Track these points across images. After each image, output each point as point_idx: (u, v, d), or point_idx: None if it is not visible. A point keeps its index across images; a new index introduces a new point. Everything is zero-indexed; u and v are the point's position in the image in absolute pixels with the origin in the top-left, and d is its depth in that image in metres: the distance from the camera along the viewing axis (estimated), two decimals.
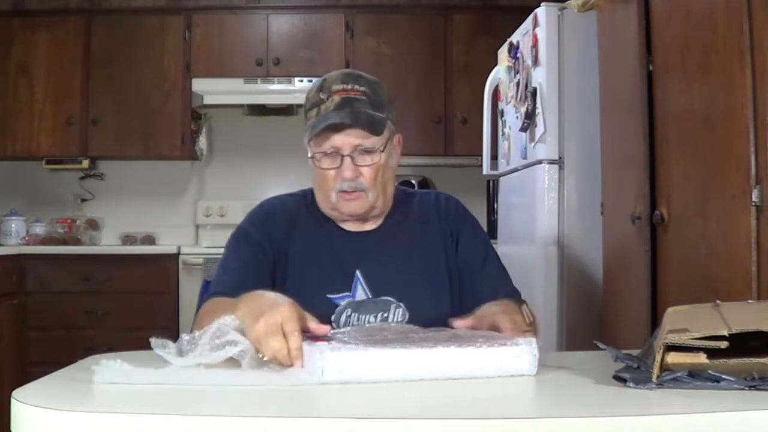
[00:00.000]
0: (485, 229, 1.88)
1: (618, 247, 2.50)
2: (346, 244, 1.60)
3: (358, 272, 1.56)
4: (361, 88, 1.54)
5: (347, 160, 1.52)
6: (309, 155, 1.57)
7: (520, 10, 3.19)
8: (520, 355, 1.16)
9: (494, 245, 1.76)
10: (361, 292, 1.55)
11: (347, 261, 1.57)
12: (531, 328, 1.37)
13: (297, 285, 1.54)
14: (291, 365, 1.15)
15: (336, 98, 1.52)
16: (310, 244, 1.60)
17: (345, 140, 1.52)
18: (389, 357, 1.13)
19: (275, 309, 1.18)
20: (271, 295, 1.27)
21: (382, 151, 1.55)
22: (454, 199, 1.72)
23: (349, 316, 1.53)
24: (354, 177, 1.53)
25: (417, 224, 1.65)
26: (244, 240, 1.61)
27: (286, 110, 4.51)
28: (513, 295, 1.60)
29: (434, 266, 1.61)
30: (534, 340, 1.18)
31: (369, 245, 1.60)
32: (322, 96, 1.54)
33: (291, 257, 1.59)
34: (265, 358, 1.17)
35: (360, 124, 1.51)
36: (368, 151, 1.53)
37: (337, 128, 1.51)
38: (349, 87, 1.54)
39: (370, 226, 1.63)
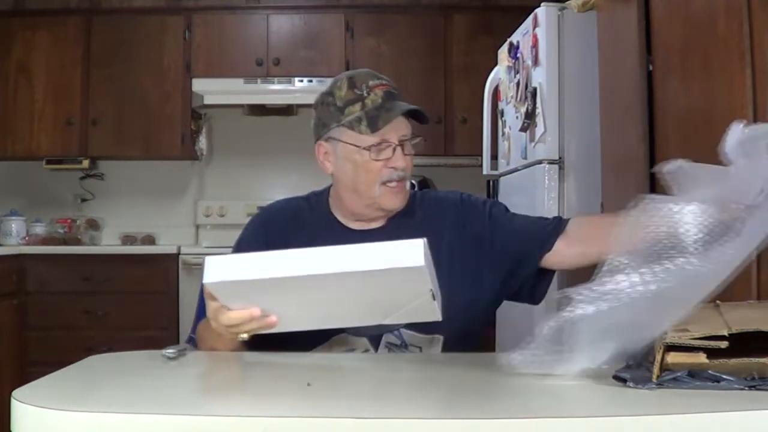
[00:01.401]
0: None
1: None
2: (354, 242, 1.60)
3: None
4: (392, 84, 1.60)
5: (398, 149, 1.56)
6: (354, 145, 1.56)
7: (520, 10, 3.19)
8: (407, 249, 1.16)
9: None
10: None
11: None
12: None
13: None
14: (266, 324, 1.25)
15: (379, 92, 1.56)
16: (316, 244, 1.60)
17: (393, 131, 1.55)
18: (268, 258, 1.18)
19: (207, 303, 1.31)
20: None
21: (423, 139, 1.61)
22: (457, 193, 1.73)
23: None
24: (405, 166, 1.57)
25: (420, 224, 1.65)
26: (243, 251, 1.62)
27: (286, 110, 4.51)
28: (559, 219, 1.65)
29: (447, 261, 1.61)
30: (422, 240, 1.18)
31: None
32: (359, 92, 1.56)
33: None
34: (246, 337, 1.29)
35: (413, 107, 1.56)
36: (408, 142, 1.58)
37: (414, 115, 1.56)
38: (384, 82, 1.59)
39: (375, 224, 1.64)
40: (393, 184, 1.56)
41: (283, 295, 1.21)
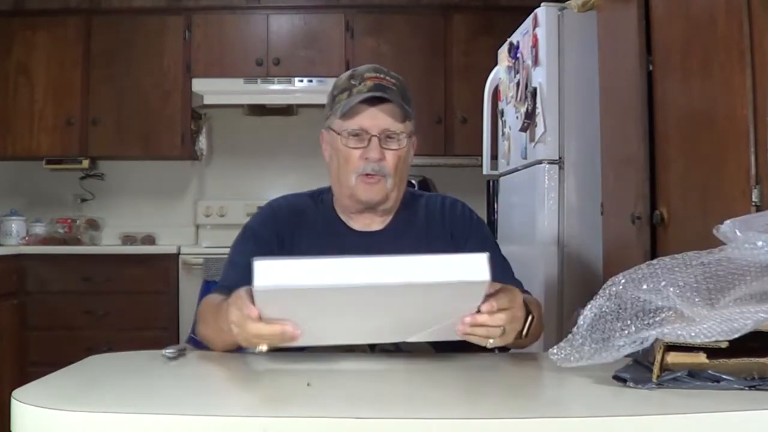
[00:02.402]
0: None
1: (618, 247, 2.50)
2: (354, 243, 1.61)
3: None
4: (392, 80, 1.58)
5: (374, 140, 1.55)
6: (337, 132, 1.58)
7: (520, 10, 3.19)
8: (472, 263, 1.13)
9: None
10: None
11: None
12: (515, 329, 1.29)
13: None
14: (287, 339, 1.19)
15: (369, 83, 1.56)
16: (318, 242, 1.61)
17: (374, 122, 1.55)
18: (325, 265, 1.11)
19: (231, 308, 1.24)
20: (228, 301, 1.28)
21: (409, 137, 1.59)
22: (460, 202, 1.72)
23: None
24: (379, 159, 1.55)
25: (423, 227, 1.65)
26: (250, 237, 1.62)
27: (286, 110, 4.51)
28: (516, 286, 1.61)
29: None
30: (486, 255, 1.14)
31: (377, 245, 1.60)
32: (354, 82, 1.58)
33: (297, 256, 1.59)
34: (265, 348, 1.21)
35: (395, 101, 1.54)
36: (394, 137, 1.56)
37: (372, 102, 1.54)
38: (381, 76, 1.58)
39: (377, 226, 1.63)
40: (369, 175, 1.56)
41: (328, 305, 1.15)
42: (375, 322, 1.22)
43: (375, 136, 1.55)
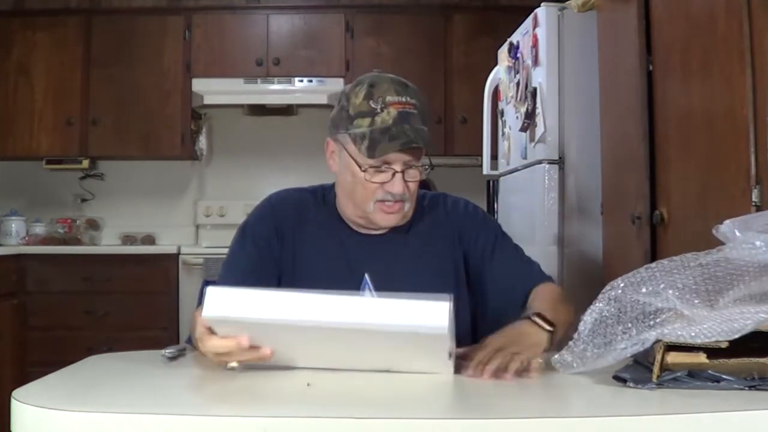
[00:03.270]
0: None
1: (618, 247, 2.50)
2: (357, 246, 1.59)
3: (367, 275, 1.55)
4: (413, 101, 1.51)
5: (398, 176, 1.50)
6: (356, 161, 1.51)
7: (520, 10, 3.19)
8: (431, 310, 1.09)
9: None
10: (368, 295, 1.53)
11: (356, 263, 1.56)
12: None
13: (304, 284, 1.52)
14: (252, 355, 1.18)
15: (392, 111, 1.48)
16: (319, 243, 1.59)
17: (398, 156, 1.49)
18: (277, 298, 1.11)
19: (197, 326, 1.24)
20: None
21: (427, 166, 1.55)
22: (462, 200, 1.71)
23: None
24: (402, 192, 1.52)
25: (427, 229, 1.63)
26: (250, 236, 1.60)
27: (286, 110, 4.51)
28: (532, 273, 1.61)
29: (444, 273, 1.60)
30: (448, 298, 1.11)
31: (379, 249, 1.59)
32: (374, 105, 1.49)
33: (298, 254, 1.58)
34: (235, 365, 1.22)
35: (425, 145, 1.50)
36: (415, 167, 1.53)
37: (404, 148, 1.48)
38: (404, 99, 1.49)
39: (380, 230, 1.61)
40: (388, 203, 1.52)
41: (286, 336, 1.15)
42: (336, 353, 1.21)
43: (399, 172, 1.50)
